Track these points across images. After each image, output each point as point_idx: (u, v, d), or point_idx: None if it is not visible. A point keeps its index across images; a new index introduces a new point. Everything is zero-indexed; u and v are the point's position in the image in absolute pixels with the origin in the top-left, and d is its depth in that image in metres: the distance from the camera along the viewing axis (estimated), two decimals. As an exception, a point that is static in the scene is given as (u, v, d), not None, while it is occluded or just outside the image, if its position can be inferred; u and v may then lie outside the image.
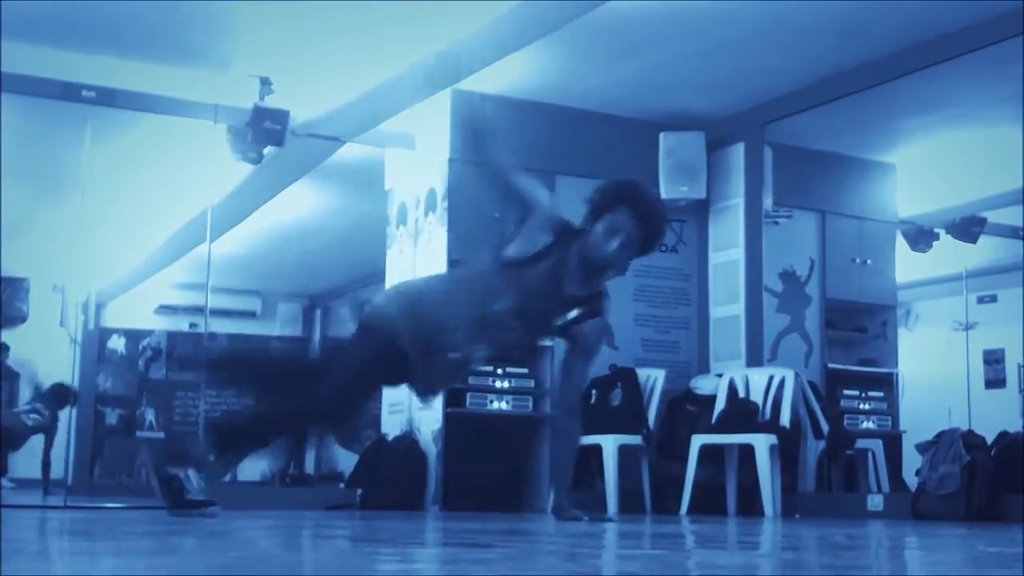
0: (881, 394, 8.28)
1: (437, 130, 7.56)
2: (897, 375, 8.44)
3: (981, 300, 9.64)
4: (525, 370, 7.48)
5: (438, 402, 7.20)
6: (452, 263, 7.34)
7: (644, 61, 7.09)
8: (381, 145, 8.01)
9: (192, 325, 11.54)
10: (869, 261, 8.40)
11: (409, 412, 7.54)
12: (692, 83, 7.44)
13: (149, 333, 12.11)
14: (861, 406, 8.16)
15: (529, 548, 3.23)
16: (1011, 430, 6.29)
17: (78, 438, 10.25)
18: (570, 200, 7.63)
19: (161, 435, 11.72)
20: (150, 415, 11.88)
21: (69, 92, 7.00)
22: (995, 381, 9.69)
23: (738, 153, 7.91)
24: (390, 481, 7.26)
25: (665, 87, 7.50)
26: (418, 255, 7.70)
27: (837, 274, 8.25)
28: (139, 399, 11.96)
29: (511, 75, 7.18)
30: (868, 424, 8.14)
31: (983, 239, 9.00)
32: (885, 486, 7.55)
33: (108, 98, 7.11)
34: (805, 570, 2.57)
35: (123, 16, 6.49)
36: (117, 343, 11.99)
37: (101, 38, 6.78)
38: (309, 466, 12.57)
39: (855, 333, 8.59)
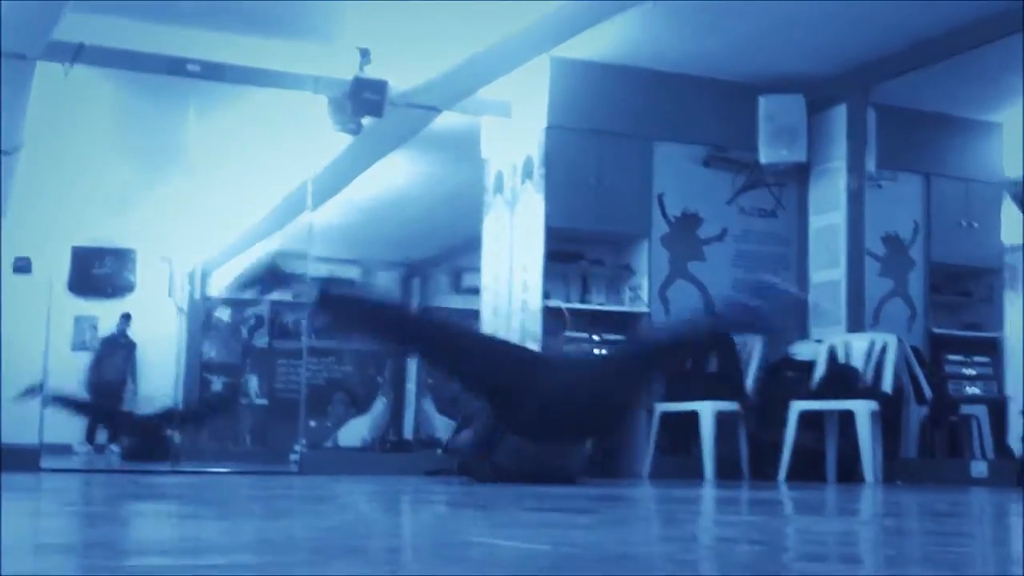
0: (987, 359, 8.12)
1: (534, 97, 7.55)
2: (1003, 339, 8.26)
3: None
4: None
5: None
6: (549, 231, 7.35)
7: (742, 23, 6.99)
8: (478, 113, 8.03)
9: (295, 295, 11.71)
10: (975, 224, 8.21)
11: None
12: (792, 45, 7.32)
13: (253, 303, 12.32)
14: (966, 371, 8.02)
15: (626, 513, 3.26)
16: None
17: (184, 405, 10.49)
18: (668, 166, 7.72)
19: (265, 402, 11.96)
20: (254, 382, 12.12)
21: (174, 67, 7.13)
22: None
23: (840, 115, 7.76)
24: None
25: (764, 49, 7.39)
26: (515, 223, 7.72)
27: (942, 237, 8.08)
28: (243, 366, 12.20)
29: (607, 41, 7.14)
30: (973, 389, 7.99)
31: (1093, 200, 8.74)
32: (990, 453, 7.42)
33: (212, 72, 7.24)
34: (907, 537, 2.55)
35: (224, -10, 6.60)
36: (222, 312, 12.23)
37: (204, 13, 6.89)
38: (408, 432, 12.73)
39: (960, 297, 8.42)
